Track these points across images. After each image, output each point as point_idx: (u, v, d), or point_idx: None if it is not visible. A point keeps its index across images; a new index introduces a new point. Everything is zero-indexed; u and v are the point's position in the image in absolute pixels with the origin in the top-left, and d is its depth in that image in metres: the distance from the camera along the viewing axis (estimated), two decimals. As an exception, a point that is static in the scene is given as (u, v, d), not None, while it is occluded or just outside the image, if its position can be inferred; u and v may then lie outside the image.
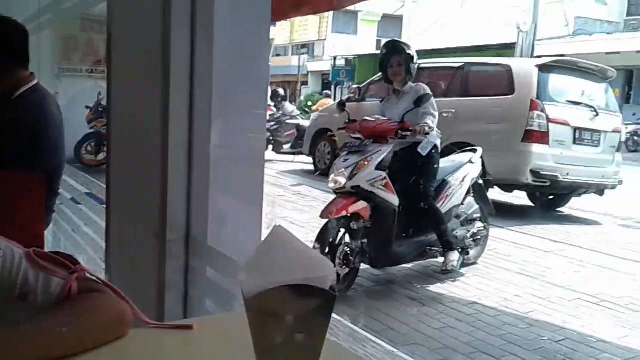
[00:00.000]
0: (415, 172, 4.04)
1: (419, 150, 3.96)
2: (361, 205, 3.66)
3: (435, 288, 3.99)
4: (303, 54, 30.26)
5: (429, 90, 4.07)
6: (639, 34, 18.98)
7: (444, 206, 4.15)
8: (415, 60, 4.14)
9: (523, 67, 6.93)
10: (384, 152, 3.82)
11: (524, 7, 20.16)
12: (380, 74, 8.32)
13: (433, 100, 4.02)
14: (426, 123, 3.89)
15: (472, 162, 4.50)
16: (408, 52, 4.09)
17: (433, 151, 4.06)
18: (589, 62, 7.10)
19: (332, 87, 27.07)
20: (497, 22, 21.42)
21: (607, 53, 17.71)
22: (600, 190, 7.12)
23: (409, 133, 3.86)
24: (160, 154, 1.29)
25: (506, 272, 4.49)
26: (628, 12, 22.37)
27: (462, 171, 4.39)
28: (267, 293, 0.52)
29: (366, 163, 3.72)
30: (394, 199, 3.80)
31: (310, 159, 9.59)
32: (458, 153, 4.74)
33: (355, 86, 9.76)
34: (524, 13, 19.98)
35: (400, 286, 4.08)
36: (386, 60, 4.14)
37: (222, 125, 1.28)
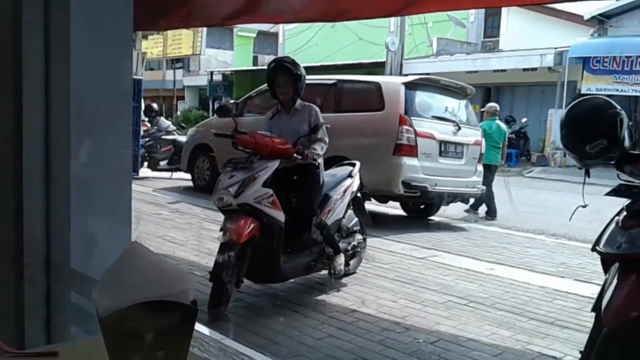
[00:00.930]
0: (301, 188, 4.07)
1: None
2: (254, 226, 3.60)
3: (317, 299, 4.05)
4: (178, 68, 29.59)
5: (320, 115, 4.14)
6: (494, 55, 20.68)
7: (328, 219, 4.23)
8: (303, 79, 4.12)
9: (391, 85, 7.30)
10: (271, 168, 3.77)
11: (392, 29, 21.30)
12: (258, 88, 8.35)
13: (324, 128, 4.11)
14: (316, 150, 3.96)
15: (351, 176, 4.61)
16: (295, 71, 4.07)
17: (318, 170, 4.10)
18: (450, 80, 7.64)
19: (210, 102, 26.74)
20: (367, 42, 22.37)
21: (467, 72, 19.15)
22: (465, 198, 7.66)
23: (300, 157, 3.88)
24: (13, 172, 1.19)
25: (383, 280, 4.66)
26: (484, 34, 24.39)
27: (343, 185, 4.48)
28: (122, 312, 0.49)
29: (253, 180, 3.67)
30: (281, 216, 3.77)
31: (188, 175, 9.38)
32: (337, 167, 4.86)
33: (232, 101, 9.70)
34: (391, 34, 21.10)
35: (282, 299, 4.08)
36: (273, 79, 4.11)
37: (82, 141, 1.20)
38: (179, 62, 30.25)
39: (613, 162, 2.28)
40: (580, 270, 5.11)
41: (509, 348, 3.36)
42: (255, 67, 26.40)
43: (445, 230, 7.30)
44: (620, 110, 2.35)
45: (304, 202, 4.07)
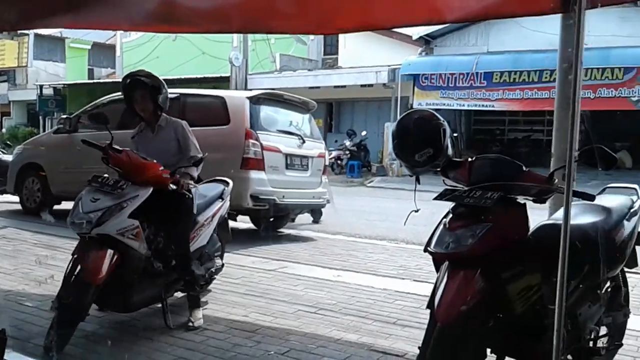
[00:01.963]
0: (171, 220, 3.79)
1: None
2: (114, 261, 3.33)
3: (161, 321, 3.85)
4: (2, 81, 27.02)
5: (188, 129, 3.97)
6: (334, 71, 21.64)
7: (190, 248, 3.97)
8: (163, 91, 3.89)
9: (236, 99, 7.33)
10: (141, 198, 3.46)
11: (235, 44, 21.41)
12: (94, 102, 7.89)
13: (196, 143, 3.99)
14: (192, 174, 3.80)
15: (222, 198, 4.41)
16: (152, 83, 3.83)
17: (191, 202, 3.86)
18: (293, 95, 7.86)
19: (40, 117, 24.70)
20: (211, 56, 22.23)
21: (309, 87, 19.82)
22: (312, 210, 7.89)
23: (175, 187, 3.65)
24: None
25: (234, 295, 4.61)
26: (324, 52, 25.45)
27: (212, 209, 4.25)
28: None
29: (120, 210, 3.35)
30: (142, 247, 3.50)
31: (16, 198, 8.56)
32: (208, 182, 4.63)
33: (64, 116, 9.04)
34: (235, 49, 21.19)
35: (127, 324, 3.86)
36: (130, 95, 3.86)
37: None
38: (3, 75, 27.64)
39: (439, 170, 2.49)
40: (418, 271, 5.49)
41: (356, 351, 3.50)
42: (91, 81, 24.94)
43: (295, 241, 7.45)
44: (443, 121, 2.58)
45: (174, 237, 3.81)
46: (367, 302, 4.54)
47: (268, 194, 6.81)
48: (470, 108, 18.13)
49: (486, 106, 17.11)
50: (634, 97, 15.75)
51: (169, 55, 22.59)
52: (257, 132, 6.87)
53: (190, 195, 3.82)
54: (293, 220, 8.29)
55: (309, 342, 3.62)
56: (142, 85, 3.84)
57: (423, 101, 17.98)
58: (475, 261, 2.30)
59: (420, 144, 2.46)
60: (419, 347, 2.41)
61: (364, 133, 19.68)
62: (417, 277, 5.27)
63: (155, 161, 3.61)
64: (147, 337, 3.64)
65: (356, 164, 18.98)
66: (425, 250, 2.43)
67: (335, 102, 22.46)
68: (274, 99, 7.60)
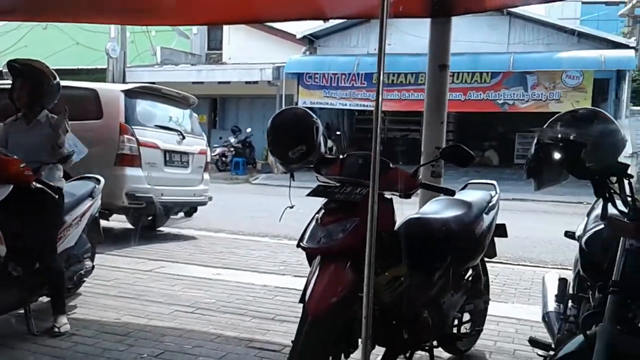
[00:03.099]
0: (35, 219, 3.48)
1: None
2: None
3: (23, 327, 3.58)
4: None
5: (68, 126, 3.67)
6: (219, 67, 21.33)
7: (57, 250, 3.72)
8: (49, 87, 3.61)
9: (109, 92, 6.95)
10: (0, 196, 3.19)
11: (112, 34, 20.39)
12: None
13: (73, 137, 3.76)
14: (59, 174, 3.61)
15: (92, 197, 4.17)
16: (38, 78, 3.56)
17: (55, 198, 3.54)
18: (172, 90, 7.60)
19: None
20: (86, 47, 21.04)
21: (193, 82, 19.40)
22: (193, 207, 7.72)
23: (40, 186, 3.37)
24: None
25: (106, 298, 4.40)
26: (208, 46, 24.99)
27: (81, 208, 4.01)
28: None
29: None
30: (1, 250, 3.22)
31: None
32: (77, 179, 4.35)
33: None
34: (112, 40, 20.19)
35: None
36: (13, 81, 3.58)
37: None
38: None
39: (312, 166, 2.54)
40: (299, 266, 5.55)
41: (233, 348, 3.48)
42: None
43: (174, 240, 7.25)
44: (317, 119, 2.64)
45: (38, 239, 3.54)
46: (247, 300, 4.53)
47: (145, 192, 6.56)
48: (351, 108, 18.69)
49: (367, 106, 17.71)
50: (500, 100, 17.06)
51: (39, 45, 21.03)
52: (133, 127, 6.58)
53: (57, 196, 3.57)
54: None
55: (185, 343, 3.54)
56: (23, 74, 3.59)
57: (307, 100, 18.26)
58: (346, 255, 2.37)
59: (293, 141, 2.49)
60: (292, 342, 2.44)
61: (248, 130, 19.59)
62: (297, 272, 5.34)
63: (16, 157, 3.34)
64: (7, 345, 3.37)
65: (241, 161, 18.85)
66: (298, 245, 2.47)
67: (220, 98, 22.16)
68: (152, 92, 7.31)
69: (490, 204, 3.35)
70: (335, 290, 2.31)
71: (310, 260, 2.52)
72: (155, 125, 7.06)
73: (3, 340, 3.45)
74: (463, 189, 3.60)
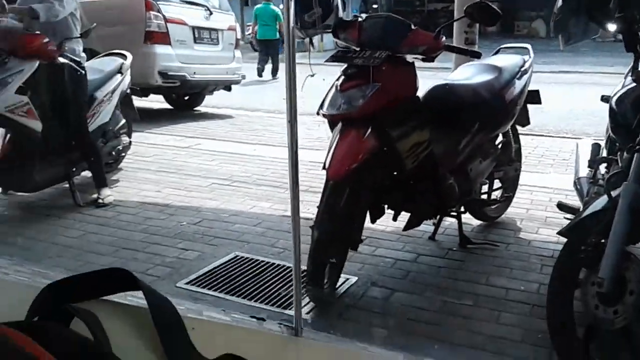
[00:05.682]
0: (63, 95, 3.59)
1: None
2: (6, 141, 3.19)
3: (70, 200, 3.81)
4: None
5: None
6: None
7: (90, 125, 3.85)
8: None
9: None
10: (27, 72, 3.26)
11: None
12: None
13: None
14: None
15: (121, 73, 4.20)
16: None
17: (79, 73, 3.62)
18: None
19: None
20: None
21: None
22: (227, 86, 7.70)
23: (64, 61, 3.43)
24: None
25: (147, 172, 4.59)
26: None
27: (111, 84, 4.07)
28: None
29: (5, 86, 3.16)
30: (37, 125, 3.35)
31: None
32: (103, 56, 4.37)
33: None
34: None
35: (33, 205, 3.80)
36: None
37: None
38: None
39: (331, 31, 2.47)
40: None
41: (267, 217, 3.62)
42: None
43: (211, 119, 7.35)
44: (333, -19, 2.51)
45: (69, 115, 3.64)
46: (281, 173, 4.63)
47: (177, 70, 6.54)
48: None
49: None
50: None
51: None
52: (159, 2, 6.43)
53: (82, 72, 3.63)
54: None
55: (222, 212, 3.71)
56: None
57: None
58: (367, 120, 2.36)
59: (309, 4, 2.40)
60: (317, 207, 2.52)
61: (282, 6, 18.91)
62: (331, 147, 5.38)
63: (38, 32, 3.37)
64: (55, 215, 3.61)
65: (280, 41, 18.42)
66: (318, 112, 2.46)
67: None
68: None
69: (522, 69, 3.22)
70: (356, 156, 2.33)
71: (332, 127, 2.52)
72: (181, 1, 6.87)
73: (51, 211, 3.69)
74: (495, 53, 3.46)
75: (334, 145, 2.35)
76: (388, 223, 3.05)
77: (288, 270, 2.79)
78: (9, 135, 3.23)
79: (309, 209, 3.76)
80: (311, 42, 2.58)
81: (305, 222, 3.47)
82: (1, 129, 3.19)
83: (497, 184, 3.48)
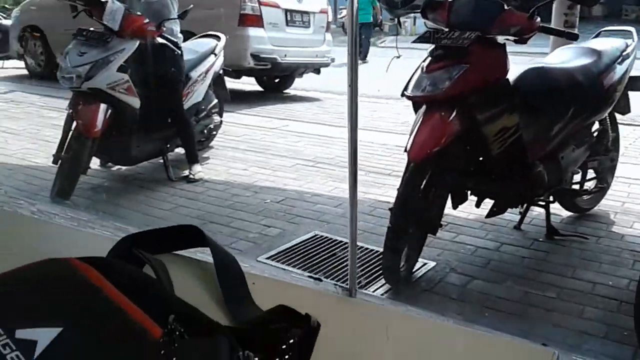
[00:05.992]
0: (161, 75, 3.79)
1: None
2: (108, 115, 3.40)
3: (163, 175, 4.01)
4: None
5: None
6: None
7: (185, 104, 4.04)
8: None
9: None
10: (129, 51, 3.45)
11: None
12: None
13: None
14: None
15: (215, 54, 4.35)
16: None
17: (177, 52, 3.80)
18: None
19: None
20: None
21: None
22: (316, 69, 7.76)
23: (163, 41, 3.64)
24: None
25: (235, 151, 4.74)
26: None
27: (205, 64, 4.22)
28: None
29: (107, 63, 3.36)
30: (136, 102, 3.55)
31: (22, 63, 8.54)
32: (198, 38, 4.56)
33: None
34: None
35: (130, 178, 4.04)
36: None
37: None
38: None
39: (420, 11, 2.43)
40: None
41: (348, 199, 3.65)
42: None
43: (300, 101, 7.46)
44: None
45: (166, 93, 3.85)
46: (365, 156, 4.62)
47: (269, 53, 6.67)
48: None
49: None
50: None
51: None
52: (253, -16, 6.57)
53: (179, 52, 3.79)
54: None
55: (304, 192, 3.77)
56: None
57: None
58: (452, 103, 2.31)
59: (397, -15, 2.37)
60: (397, 189, 2.51)
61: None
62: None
63: (139, 13, 3.56)
64: (149, 188, 3.83)
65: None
66: (402, 94, 2.44)
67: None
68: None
69: (624, 53, 3.02)
70: (439, 139, 2.29)
71: (416, 109, 2.49)
72: None
73: (145, 183, 3.91)
74: (596, 36, 3.26)
75: (417, 127, 2.32)
76: (471, 210, 2.99)
77: (367, 251, 2.80)
78: (110, 111, 3.43)
79: (388, 192, 3.78)
80: (399, 23, 2.56)
81: (385, 205, 3.48)
82: (103, 104, 3.39)
83: (591, 174, 3.30)
